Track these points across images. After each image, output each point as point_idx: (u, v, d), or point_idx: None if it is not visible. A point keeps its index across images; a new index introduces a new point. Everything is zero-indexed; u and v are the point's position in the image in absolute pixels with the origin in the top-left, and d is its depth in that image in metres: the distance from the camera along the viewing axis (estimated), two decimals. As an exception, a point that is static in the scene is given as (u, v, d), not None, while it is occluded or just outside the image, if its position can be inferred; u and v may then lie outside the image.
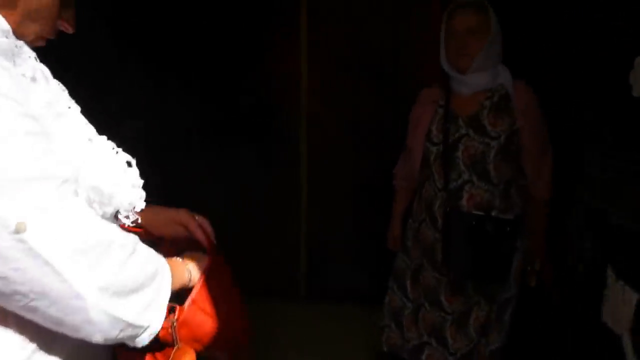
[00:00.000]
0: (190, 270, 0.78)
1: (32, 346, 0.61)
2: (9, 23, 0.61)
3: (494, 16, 1.43)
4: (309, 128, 2.54)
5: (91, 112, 0.74)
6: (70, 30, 0.72)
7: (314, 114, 2.53)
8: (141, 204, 0.74)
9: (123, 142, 0.75)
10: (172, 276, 0.71)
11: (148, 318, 0.65)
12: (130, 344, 0.66)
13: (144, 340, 0.66)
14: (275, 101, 2.54)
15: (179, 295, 0.74)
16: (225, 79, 2.53)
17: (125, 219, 0.74)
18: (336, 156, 2.56)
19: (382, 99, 2.45)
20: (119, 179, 0.70)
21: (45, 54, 0.69)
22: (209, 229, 0.89)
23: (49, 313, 0.56)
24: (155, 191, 0.80)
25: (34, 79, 0.63)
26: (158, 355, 0.75)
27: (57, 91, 0.69)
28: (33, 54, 0.67)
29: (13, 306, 0.56)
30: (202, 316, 0.76)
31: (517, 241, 1.50)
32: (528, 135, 1.47)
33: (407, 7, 2.36)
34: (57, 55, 0.77)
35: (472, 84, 1.48)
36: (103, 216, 0.68)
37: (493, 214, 1.48)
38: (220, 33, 2.48)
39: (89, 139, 0.69)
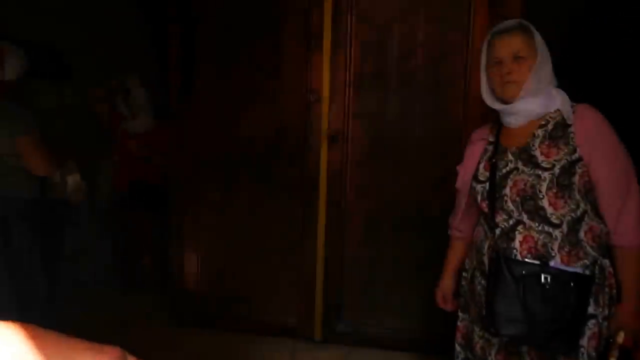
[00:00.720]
0: None
1: None
2: None
3: (539, 37, 1.25)
4: (329, 152, 2.32)
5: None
6: None
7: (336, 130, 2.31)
8: None
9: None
10: None
11: None
12: None
13: None
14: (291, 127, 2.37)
15: None
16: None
17: None
18: (362, 181, 2.33)
19: (409, 113, 2.24)
20: None
21: None
22: None
23: None
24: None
25: None
26: None
27: None
28: None
29: None
30: None
31: (588, 302, 1.19)
32: (597, 167, 1.19)
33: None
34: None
35: (522, 113, 1.27)
36: None
37: (552, 263, 1.19)
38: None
39: None
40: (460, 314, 1.49)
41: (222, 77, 2.41)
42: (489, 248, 1.32)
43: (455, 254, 1.58)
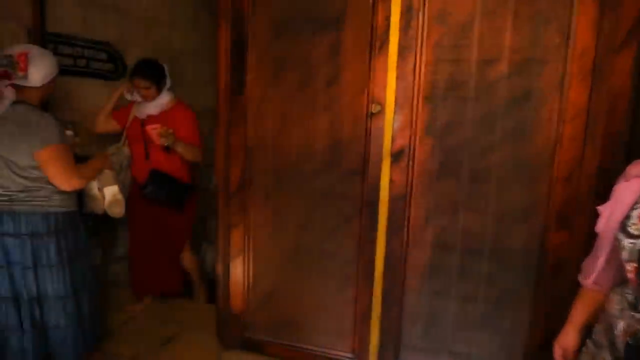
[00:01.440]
0: None
1: None
2: None
3: None
4: (392, 171, 2.03)
5: None
6: None
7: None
8: None
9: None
10: None
11: None
12: None
13: None
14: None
15: None
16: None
17: None
18: (428, 205, 2.02)
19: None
20: None
21: None
22: None
23: None
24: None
25: None
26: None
27: None
28: None
29: None
30: None
31: None
32: None
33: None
34: None
35: None
36: None
37: None
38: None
39: None
40: None
41: (273, 81, 2.17)
42: (626, 332, 1.00)
43: (586, 307, 1.28)
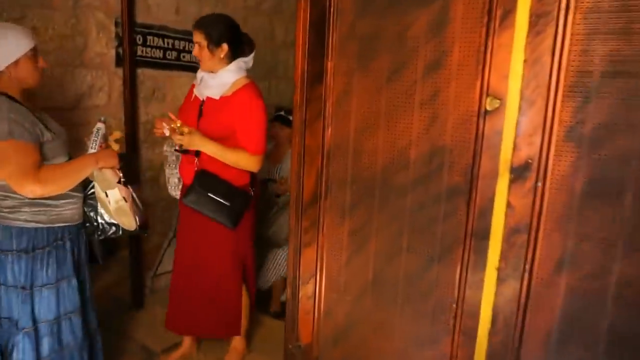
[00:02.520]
0: None
1: None
2: None
3: None
4: (511, 192, 1.43)
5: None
6: None
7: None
8: None
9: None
10: None
11: None
12: None
13: None
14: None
15: None
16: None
17: None
18: (566, 243, 1.39)
19: None
20: None
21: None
22: None
23: None
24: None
25: None
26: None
27: None
28: None
29: None
30: None
31: None
32: None
33: None
34: None
35: None
36: None
37: None
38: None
39: None
40: None
41: (358, 69, 1.72)
42: None
43: None
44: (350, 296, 1.87)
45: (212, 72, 2.12)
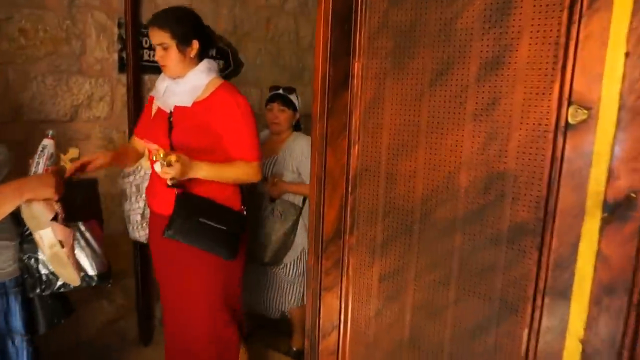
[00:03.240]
0: None
1: None
2: None
3: None
4: (604, 235, 1.02)
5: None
6: None
7: None
8: None
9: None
10: None
11: None
12: None
13: None
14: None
15: None
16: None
17: None
18: None
19: None
20: None
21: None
22: None
23: None
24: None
25: None
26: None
27: None
28: None
29: None
30: None
31: None
32: None
33: None
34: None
35: None
36: None
37: None
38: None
39: None
40: None
41: (392, 70, 1.36)
42: None
43: None
44: (381, 352, 1.50)
45: (179, 77, 1.82)
